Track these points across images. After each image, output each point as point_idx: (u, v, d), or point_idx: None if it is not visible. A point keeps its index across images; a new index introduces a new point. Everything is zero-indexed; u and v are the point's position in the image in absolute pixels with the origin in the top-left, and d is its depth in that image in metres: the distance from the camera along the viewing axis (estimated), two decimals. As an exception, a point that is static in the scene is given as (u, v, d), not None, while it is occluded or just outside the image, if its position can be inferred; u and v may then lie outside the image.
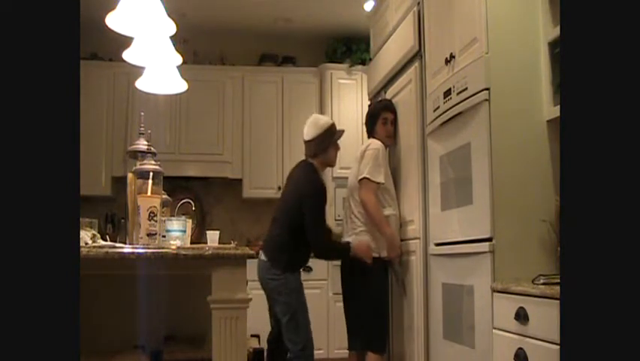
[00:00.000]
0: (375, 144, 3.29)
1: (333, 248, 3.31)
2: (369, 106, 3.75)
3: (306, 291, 3.14)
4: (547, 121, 2.32)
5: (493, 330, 2.16)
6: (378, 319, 3.22)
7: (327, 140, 3.21)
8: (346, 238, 3.29)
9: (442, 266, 2.76)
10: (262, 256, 3.13)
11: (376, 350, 3.15)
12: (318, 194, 3.12)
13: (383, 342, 3.22)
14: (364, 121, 3.54)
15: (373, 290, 3.21)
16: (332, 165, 3.36)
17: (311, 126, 3.24)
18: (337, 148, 3.29)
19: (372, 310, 3.18)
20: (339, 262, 3.40)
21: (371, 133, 3.44)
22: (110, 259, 1.82)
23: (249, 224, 5.63)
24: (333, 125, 3.26)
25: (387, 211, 3.22)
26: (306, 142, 3.24)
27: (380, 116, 3.41)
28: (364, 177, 3.18)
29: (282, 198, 3.33)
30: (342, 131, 3.29)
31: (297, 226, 3.07)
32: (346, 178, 3.48)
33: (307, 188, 3.12)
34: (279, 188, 5.42)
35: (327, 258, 3.20)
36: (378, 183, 3.19)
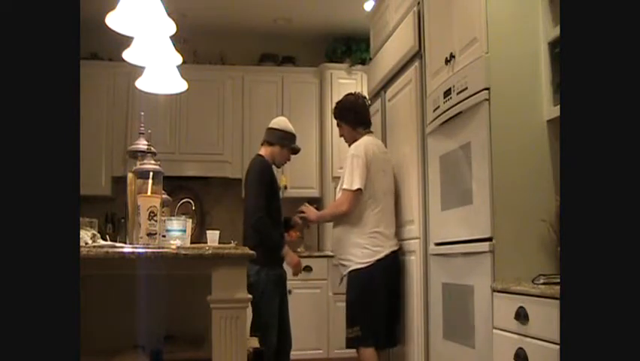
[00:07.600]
0: (358, 149, 3.22)
1: (270, 232, 3.32)
2: (356, 97, 3.49)
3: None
4: (547, 121, 2.32)
5: (493, 330, 2.16)
6: (366, 316, 3.15)
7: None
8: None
9: (442, 266, 2.76)
10: None
11: (365, 345, 3.12)
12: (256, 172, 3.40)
13: (374, 338, 3.15)
14: (359, 107, 3.41)
15: (356, 290, 3.20)
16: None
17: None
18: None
19: (357, 308, 3.17)
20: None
21: (366, 124, 3.41)
22: (110, 258, 1.82)
23: (249, 224, 5.62)
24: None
25: (377, 228, 3.18)
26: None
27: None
28: (341, 188, 3.21)
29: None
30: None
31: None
32: None
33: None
34: (279, 188, 5.42)
35: (261, 234, 3.30)
36: (355, 190, 3.14)
